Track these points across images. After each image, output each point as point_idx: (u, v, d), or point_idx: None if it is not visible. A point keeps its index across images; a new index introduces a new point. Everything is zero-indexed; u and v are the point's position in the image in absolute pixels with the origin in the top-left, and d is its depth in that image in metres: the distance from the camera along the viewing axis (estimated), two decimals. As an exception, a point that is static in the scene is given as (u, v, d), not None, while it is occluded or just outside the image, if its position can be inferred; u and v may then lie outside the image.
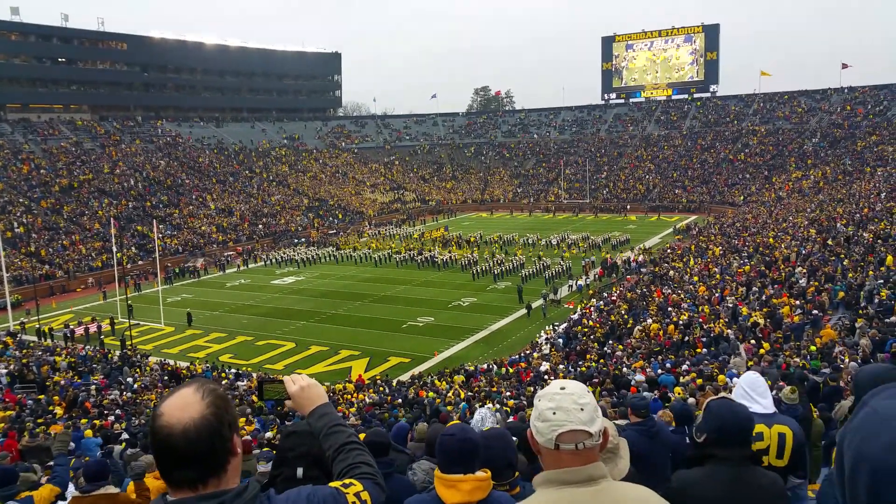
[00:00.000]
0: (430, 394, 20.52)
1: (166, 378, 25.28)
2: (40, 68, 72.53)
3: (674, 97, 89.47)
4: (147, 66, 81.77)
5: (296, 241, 57.59)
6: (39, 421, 17.13)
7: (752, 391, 3.61)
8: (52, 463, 9.10)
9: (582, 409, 1.68)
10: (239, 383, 24.19)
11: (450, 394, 20.34)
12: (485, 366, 24.92)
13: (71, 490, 7.66)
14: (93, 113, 74.66)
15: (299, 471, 2.38)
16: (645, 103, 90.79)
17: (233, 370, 26.59)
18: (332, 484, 1.81)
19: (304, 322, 33.55)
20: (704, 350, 19.57)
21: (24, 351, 27.41)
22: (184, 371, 26.05)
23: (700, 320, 22.99)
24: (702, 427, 2.60)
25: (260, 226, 60.99)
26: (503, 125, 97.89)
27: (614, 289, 34.99)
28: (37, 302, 36.55)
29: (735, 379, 13.30)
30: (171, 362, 27.65)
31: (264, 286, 42.43)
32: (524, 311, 33.66)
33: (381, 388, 22.76)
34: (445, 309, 34.85)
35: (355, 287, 40.76)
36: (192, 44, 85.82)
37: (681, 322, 23.34)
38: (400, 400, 19.38)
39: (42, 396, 21.01)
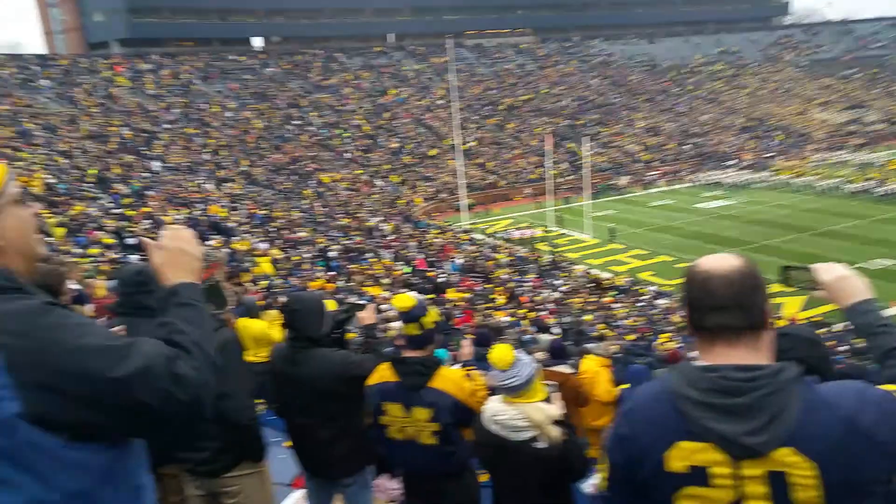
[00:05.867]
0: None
1: (591, 285, 26.52)
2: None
3: None
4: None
5: (726, 163, 53.92)
6: (486, 306, 19.79)
7: None
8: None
9: None
10: (658, 301, 24.03)
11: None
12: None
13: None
14: (535, 36, 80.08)
15: None
16: None
17: (652, 288, 26.47)
18: (884, 387, 1.54)
19: (730, 249, 31.31)
20: None
21: (475, 247, 31.80)
22: (605, 281, 26.98)
23: None
24: None
25: (687, 146, 58.68)
26: None
27: None
28: (485, 206, 42.02)
29: None
30: (595, 272, 28.87)
31: (688, 209, 40.94)
32: None
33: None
34: (912, 252, 28.63)
35: (794, 218, 36.32)
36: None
37: None
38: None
39: (489, 286, 24.12)
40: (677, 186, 48.61)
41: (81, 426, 1.26)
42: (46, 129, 35.86)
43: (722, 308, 1.41)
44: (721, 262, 1.45)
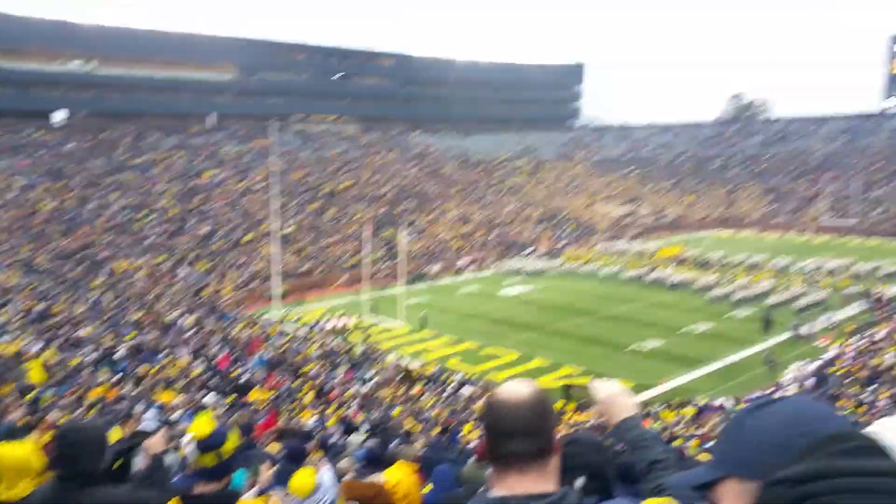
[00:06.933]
0: (657, 424, 19.37)
1: (401, 376, 26.86)
2: (321, 83, 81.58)
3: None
4: (407, 82, 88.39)
5: (525, 251, 58.45)
6: (292, 406, 19.34)
7: None
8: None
9: None
10: (462, 390, 24.85)
11: (679, 427, 19.02)
12: (719, 401, 22.91)
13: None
14: (359, 124, 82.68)
15: (579, 481, 2.27)
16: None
17: (457, 376, 27.25)
18: (648, 501, 1.79)
19: (529, 334, 33.81)
20: None
21: (286, 339, 31.10)
22: (415, 372, 27.52)
23: None
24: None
25: (493, 235, 62.94)
26: (756, 135, 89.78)
27: (881, 326, 30.09)
28: (300, 295, 41.52)
29: None
30: (405, 362, 29.43)
31: (494, 295, 43.62)
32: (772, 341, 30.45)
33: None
34: (675, 334, 32.79)
35: (582, 302, 40.13)
36: (444, 61, 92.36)
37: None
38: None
39: (297, 382, 23.63)
40: (483, 273, 51.72)
41: None
42: None
43: (513, 436, 1.48)
44: (512, 390, 1.52)
